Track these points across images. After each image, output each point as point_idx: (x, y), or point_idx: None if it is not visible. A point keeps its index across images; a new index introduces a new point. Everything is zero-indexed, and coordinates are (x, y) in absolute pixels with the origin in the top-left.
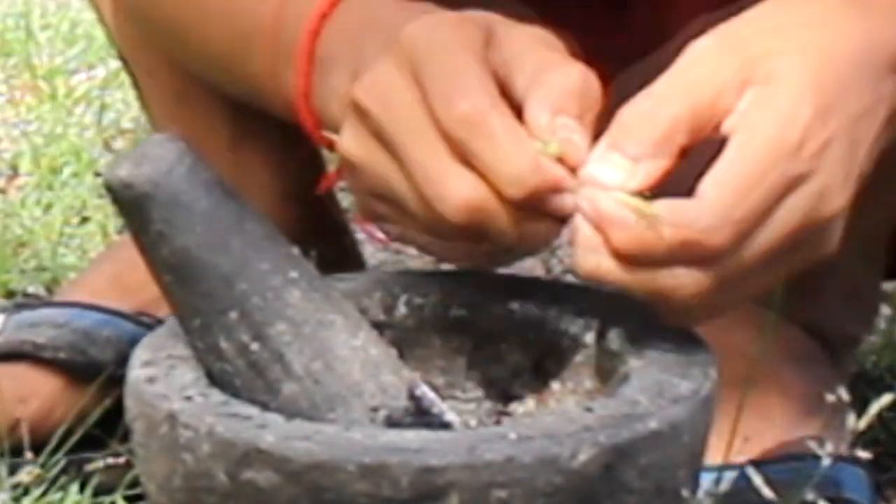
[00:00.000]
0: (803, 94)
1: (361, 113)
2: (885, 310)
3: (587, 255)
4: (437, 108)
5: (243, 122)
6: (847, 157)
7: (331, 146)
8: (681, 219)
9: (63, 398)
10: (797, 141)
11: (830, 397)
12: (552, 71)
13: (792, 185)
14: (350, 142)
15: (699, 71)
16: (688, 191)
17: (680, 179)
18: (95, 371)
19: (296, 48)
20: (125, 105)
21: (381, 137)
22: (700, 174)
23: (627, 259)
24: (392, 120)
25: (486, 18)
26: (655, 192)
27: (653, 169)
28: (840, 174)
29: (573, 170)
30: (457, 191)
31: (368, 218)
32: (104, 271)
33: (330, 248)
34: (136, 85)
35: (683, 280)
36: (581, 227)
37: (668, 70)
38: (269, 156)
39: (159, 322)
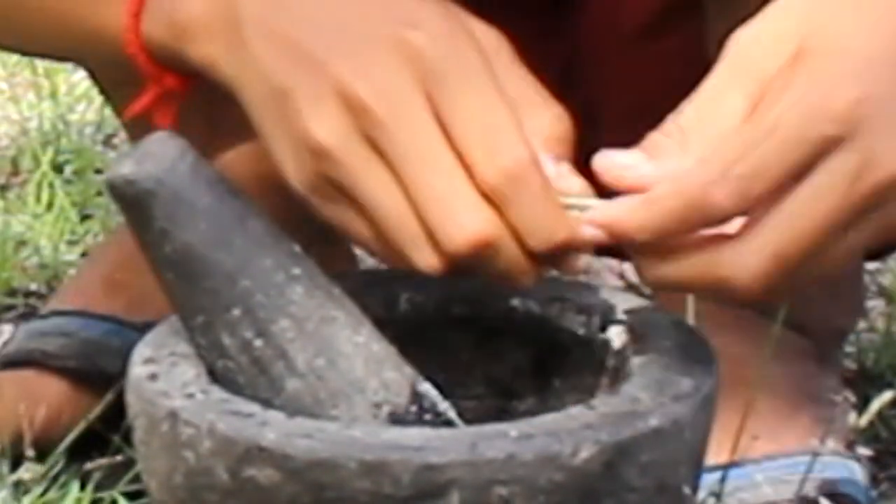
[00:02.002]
0: (838, 65)
1: (358, 109)
2: (885, 307)
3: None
4: (475, 157)
5: (218, 122)
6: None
7: (157, 76)
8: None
9: (69, 408)
10: (827, 104)
11: (837, 396)
12: (538, 115)
13: (825, 148)
14: (329, 131)
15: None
16: None
17: None
18: (104, 381)
19: None
20: None
21: (377, 142)
22: None
23: (656, 252)
24: (402, 133)
25: (490, 37)
26: None
27: None
28: (886, 136)
29: None
30: (472, 223)
31: (305, 196)
32: (94, 274)
33: (312, 247)
34: (105, 94)
35: (736, 263)
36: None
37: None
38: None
39: None
